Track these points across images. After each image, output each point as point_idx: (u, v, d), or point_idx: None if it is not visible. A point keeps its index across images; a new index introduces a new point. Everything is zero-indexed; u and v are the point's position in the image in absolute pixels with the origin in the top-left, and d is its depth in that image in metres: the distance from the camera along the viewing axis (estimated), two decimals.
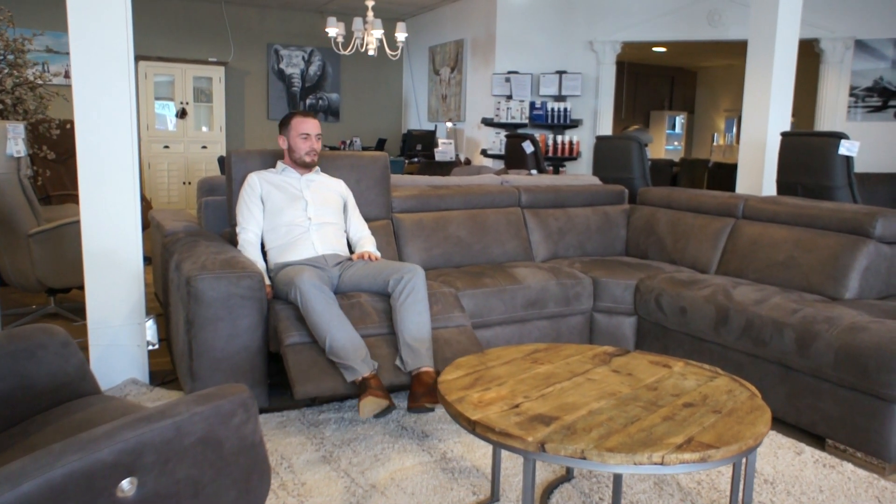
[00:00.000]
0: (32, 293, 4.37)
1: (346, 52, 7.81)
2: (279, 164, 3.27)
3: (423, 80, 9.67)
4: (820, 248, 3.28)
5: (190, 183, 8.61)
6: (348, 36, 7.77)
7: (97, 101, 2.95)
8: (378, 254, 3.21)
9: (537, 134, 7.82)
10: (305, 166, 3.22)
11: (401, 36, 7.57)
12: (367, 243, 3.26)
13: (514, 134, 7.02)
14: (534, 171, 6.23)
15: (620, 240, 4.30)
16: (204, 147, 8.76)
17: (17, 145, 3.81)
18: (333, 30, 7.41)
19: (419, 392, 2.64)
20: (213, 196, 3.57)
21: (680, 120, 12.75)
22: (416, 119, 9.93)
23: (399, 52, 7.90)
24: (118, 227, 3.05)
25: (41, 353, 1.65)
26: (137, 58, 8.30)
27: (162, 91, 8.57)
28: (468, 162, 8.41)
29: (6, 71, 4.94)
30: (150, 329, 3.15)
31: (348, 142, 9.43)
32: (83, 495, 1.09)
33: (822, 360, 2.65)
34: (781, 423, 2.88)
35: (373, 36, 7.48)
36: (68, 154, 5.39)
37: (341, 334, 2.64)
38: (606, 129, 7.89)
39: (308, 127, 3.18)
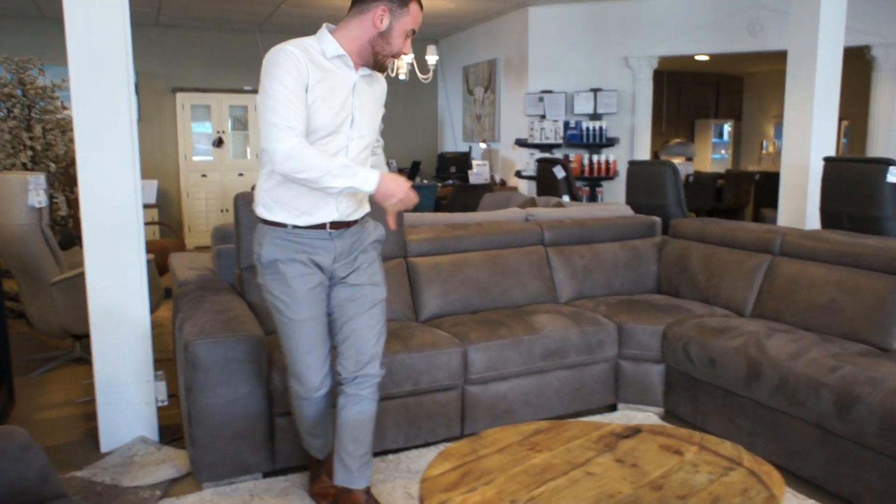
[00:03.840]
0: (57, 339, 4.41)
1: None
2: (328, 39, 2.13)
3: (458, 100, 9.57)
4: (865, 290, 3.02)
5: (227, 210, 8.72)
6: None
7: (99, 152, 2.86)
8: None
9: (572, 153, 7.62)
10: (376, 67, 2.23)
11: (431, 59, 7.48)
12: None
13: (546, 158, 6.85)
14: (565, 197, 6.05)
15: (651, 275, 4.08)
16: (241, 175, 8.86)
17: (38, 196, 3.84)
18: None
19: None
20: (226, 244, 3.53)
21: (727, 128, 12.31)
22: (452, 139, 9.83)
23: (430, 74, 7.81)
24: (124, 284, 3.01)
25: None
26: (174, 90, 8.47)
27: (199, 117, 8.70)
28: (503, 183, 8.27)
29: (37, 118, 5.03)
30: (159, 387, 3.11)
31: None
32: None
33: (864, 427, 2.41)
34: (821, 490, 2.64)
35: (403, 60, 7.41)
36: None
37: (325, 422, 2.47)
38: (644, 146, 7.62)
39: (418, 24, 2.22)
